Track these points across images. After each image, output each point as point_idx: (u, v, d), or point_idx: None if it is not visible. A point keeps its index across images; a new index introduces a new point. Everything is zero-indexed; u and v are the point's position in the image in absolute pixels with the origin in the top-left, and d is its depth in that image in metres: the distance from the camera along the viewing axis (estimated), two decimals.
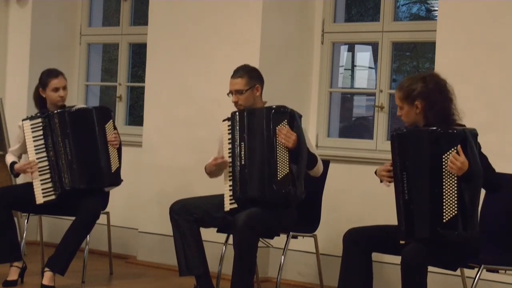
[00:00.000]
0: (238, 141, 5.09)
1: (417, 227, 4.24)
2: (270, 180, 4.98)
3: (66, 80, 5.74)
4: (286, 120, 4.99)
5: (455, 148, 4.14)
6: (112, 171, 5.61)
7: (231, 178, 5.09)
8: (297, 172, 4.98)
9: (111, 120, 5.68)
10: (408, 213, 4.26)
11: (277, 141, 4.97)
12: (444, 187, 4.17)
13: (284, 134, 4.94)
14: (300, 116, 5.11)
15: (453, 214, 4.14)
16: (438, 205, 4.17)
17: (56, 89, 5.65)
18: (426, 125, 4.35)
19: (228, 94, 5.26)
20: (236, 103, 5.20)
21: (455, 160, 4.11)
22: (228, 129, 5.14)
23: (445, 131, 4.19)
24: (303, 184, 5.06)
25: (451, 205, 4.15)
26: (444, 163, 4.16)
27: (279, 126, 4.98)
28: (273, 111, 5.05)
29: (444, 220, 4.16)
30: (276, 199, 5.00)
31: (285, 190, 4.96)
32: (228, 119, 5.17)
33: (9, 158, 5.76)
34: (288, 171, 4.96)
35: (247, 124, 5.10)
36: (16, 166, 5.66)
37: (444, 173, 4.16)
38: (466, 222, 4.17)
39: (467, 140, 4.18)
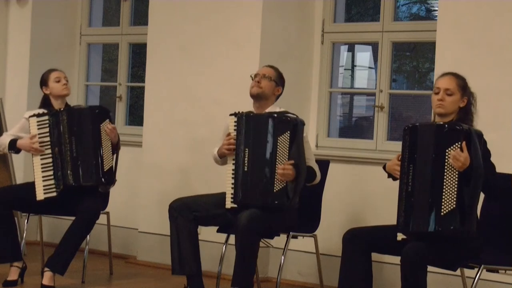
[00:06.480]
0: (242, 145, 5.08)
1: (415, 219, 4.26)
2: (267, 191, 4.99)
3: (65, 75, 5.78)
4: (288, 132, 4.98)
5: (460, 143, 4.19)
6: (105, 170, 5.59)
7: (233, 176, 5.09)
8: (294, 186, 5.00)
9: (108, 119, 5.67)
10: (409, 205, 4.29)
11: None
12: (445, 180, 4.20)
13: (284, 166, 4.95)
14: (303, 124, 5.11)
15: (452, 207, 4.17)
16: (437, 197, 4.20)
17: (58, 80, 5.69)
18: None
19: (251, 76, 5.25)
20: (257, 83, 5.18)
21: (458, 156, 4.16)
22: (234, 125, 5.12)
23: (452, 127, 4.26)
24: (298, 195, 5.07)
25: (450, 199, 4.18)
26: (447, 157, 4.20)
27: (280, 138, 4.97)
28: (276, 120, 5.03)
29: (442, 213, 4.18)
30: (270, 209, 5.01)
31: (279, 202, 4.99)
32: (235, 114, 5.14)
33: (7, 137, 5.68)
34: (284, 185, 4.98)
35: (252, 129, 5.08)
36: (20, 141, 5.58)
37: (446, 167, 4.21)
38: (464, 218, 4.18)
39: (471, 138, 4.23)
